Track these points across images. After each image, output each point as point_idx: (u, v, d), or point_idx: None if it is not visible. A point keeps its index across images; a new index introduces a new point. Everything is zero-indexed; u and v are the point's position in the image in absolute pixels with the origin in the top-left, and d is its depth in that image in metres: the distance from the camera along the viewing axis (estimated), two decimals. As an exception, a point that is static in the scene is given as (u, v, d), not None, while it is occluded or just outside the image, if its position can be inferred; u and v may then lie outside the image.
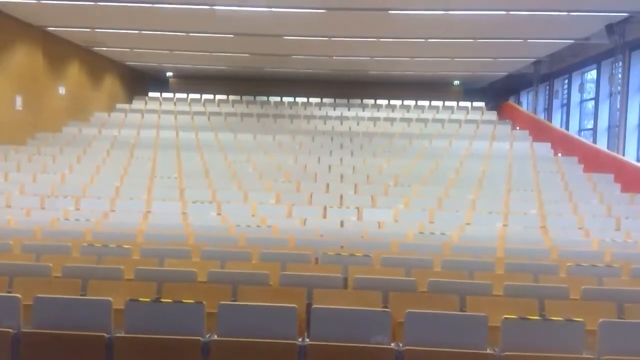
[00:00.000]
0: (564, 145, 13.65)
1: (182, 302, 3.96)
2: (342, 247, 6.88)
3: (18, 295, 4.02)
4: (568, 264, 6.07)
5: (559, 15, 10.98)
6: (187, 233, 7.29)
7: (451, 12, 10.92)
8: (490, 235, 7.82)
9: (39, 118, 13.61)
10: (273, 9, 11.00)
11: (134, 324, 3.83)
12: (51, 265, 5.31)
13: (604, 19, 11.33)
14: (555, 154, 13.19)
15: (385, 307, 4.62)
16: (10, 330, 3.78)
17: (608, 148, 13.11)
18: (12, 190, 9.31)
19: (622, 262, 6.30)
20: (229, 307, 3.99)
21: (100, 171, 10.56)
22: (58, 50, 14.44)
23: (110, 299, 3.94)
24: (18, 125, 12.70)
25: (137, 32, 13.64)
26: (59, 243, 6.42)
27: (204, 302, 3.91)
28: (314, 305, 4.10)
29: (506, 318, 3.83)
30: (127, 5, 11.08)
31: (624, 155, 12.77)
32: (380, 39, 13.51)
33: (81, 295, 4.74)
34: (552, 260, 6.47)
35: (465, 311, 4.63)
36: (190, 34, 13.60)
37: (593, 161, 11.91)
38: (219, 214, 8.67)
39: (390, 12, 10.97)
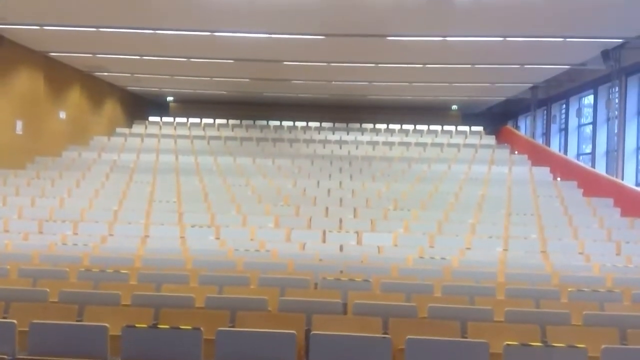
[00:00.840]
0: (562, 169, 13.69)
1: (180, 328, 3.91)
2: (341, 271, 6.83)
3: (14, 320, 3.97)
4: (569, 289, 6.03)
5: (555, 41, 11.14)
6: (185, 258, 7.25)
7: (448, 39, 11.08)
8: (491, 259, 7.77)
9: (39, 142, 13.66)
10: (273, 35, 11.16)
11: (131, 350, 3.77)
12: (48, 290, 5.26)
13: (600, 44, 11.49)
14: (554, 178, 13.21)
15: (386, 333, 4.56)
16: (5, 356, 3.72)
17: (607, 172, 13.15)
18: (10, 214, 9.29)
19: (623, 287, 6.25)
20: (226, 333, 3.93)
21: (99, 195, 10.55)
22: (59, 75, 14.59)
23: (106, 324, 3.89)
24: (18, 150, 12.73)
25: (138, 57, 13.79)
26: (56, 268, 6.37)
27: (201, 328, 3.86)
28: (313, 332, 4.05)
29: (508, 344, 3.77)
30: (128, 32, 11.24)
31: (622, 179, 12.80)
32: (379, 64, 13.67)
33: (77, 320, 4.68)
34: (553, 286, 6.42)
35: (466, 337, 4.57)
36: (191, 59, 13.76)
37: (592, 185, 11.92)
38: (217, 238, 8.63)
39: (388, 38, 11.12)
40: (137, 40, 12.04)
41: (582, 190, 11.76)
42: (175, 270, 6.52)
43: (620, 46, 11.78)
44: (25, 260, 6.91)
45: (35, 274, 6.05)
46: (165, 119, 19.95)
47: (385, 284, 6.02)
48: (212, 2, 9.03)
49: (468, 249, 8.40)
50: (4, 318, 4.59)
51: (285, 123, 19.55)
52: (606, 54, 11.83)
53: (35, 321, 3.90)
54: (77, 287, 5.64)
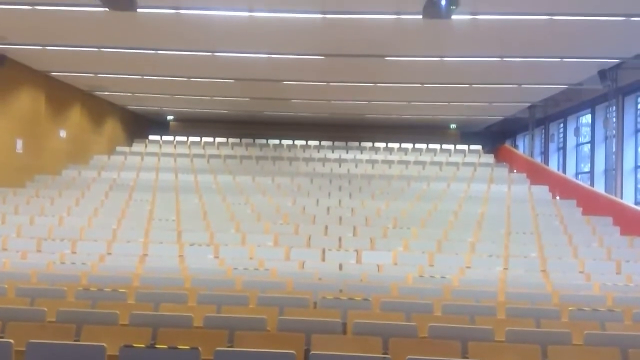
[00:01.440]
0: (561, 188, 13.71)
1: (178, 348, 3.88)
2: (341, 290, 6.79)
3: (10, 340, 3.94)
4: (570, 308, 6.00)
5: (552, 61, 11.27)
6: (184, 276, 7.21)
7: (446, 59, 11.20)
8: (491, 278, 7.75)
9: (39, 161, 13.69)
10: (273, 56, 11.28)
11: (128, 371, 3.74)
12: (45, 309, 5.22)
13: (596, 64, 11.61)
14: (553, 197, 13.23)
15: (386, 353, 4.52)
16: (1, 377, 3.68)
17: (605, 191, 13.17)
18: (8, 233, 9.26)
19: (624, 306, 6.22)
20: (225, 353, 3.90)
21: (99, 214, 10.54)
22: (60, 94, 14.69)
23: (104, 344, 3.86)
24: (18, 168, 12.75)
25: (139, 77, 13.92)
26: (54, 287, 6.34)
27: (199, 348, 3.83)
28: (313, 352, 4.01)
29: (509, 365, 3.74)
30: (129, 52, 11.36)
31: (621, 198, 12.82)
32: (378, 84, 13.80)
33: (75, 340, 4.64)
34: (554, 305, 6.38)
35: (467, 357, 4.54)
36: (192, 79, 13.88)
37: (591, 204, 11.93)
38: (216, 257, 8.60)
39: (386, 58, 11.24)
40: (138, 61, 12.16)
41: (581, 208, 11.77)
42: (174, 289, 6.49)
43: (617, 66, 11.91)
44: (23, 279, 6.88)
45: (32, 293, 6.01)
46: (165, 137, 20.05)
47: (385, 303, 5.98)
48: (213, 23, 9.15)
49: (468, 267, 8.37)
50: (1, 337, 4.56)
51: (285, 141, 19.64)
52: (603, 74, 11.96)
53: (32, 341, 3.87)
54: (74, 307, 5.60)
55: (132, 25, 9.53)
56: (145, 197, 11.65)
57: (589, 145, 16.08)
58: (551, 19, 8.51)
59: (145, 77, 13.86)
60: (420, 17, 7.25)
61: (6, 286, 6.19)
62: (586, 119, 16.83)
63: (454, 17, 7.38)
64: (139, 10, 7.38)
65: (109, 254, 8.58)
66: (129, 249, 8.78)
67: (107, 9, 7.26)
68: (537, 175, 15.15)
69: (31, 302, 5.73)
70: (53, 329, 4.83)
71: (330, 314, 5.55)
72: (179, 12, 8.69)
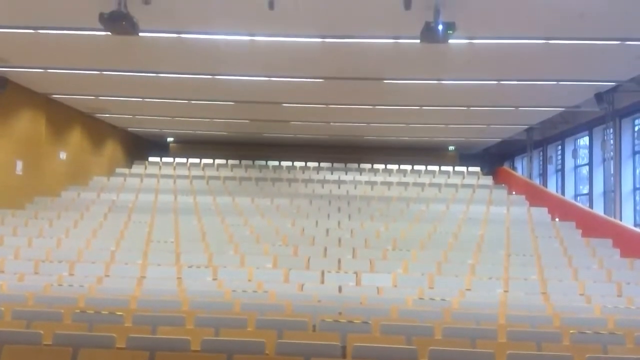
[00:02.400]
0: (560, 210, 13.71)
1: (175, 372, 3.83)
2: (340, 313, 6.74)
3: (5, 364, 3.89)
4: (571, 331, 5.94)
5: (548, 84, 11.38)
6: (182, 299, 7.16)
7: (444, 82, 11.31)
8: (491, 301, 7.69)
9: (38, 182, 13.70)
10: (273, 78, 11.39)
11: (124, 395, 3.68)
12: (42, 332, 5.17)
13: (593, 88, 11.73)
14: (553, 219, 13.21)
15: (385, 377, 4.46)
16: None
17: (604, 213, 13.17)
18: (6, 254, 9.22)
19: (625, 329, 6.17)
20: (223, 377, 3.85)
21: (97, 235, 10.50)
22: (61, 116, 14.77)
23: (100, 368, 3.81)
24: (17, 190, 12.75)
25: (139, 99, 14.01)
26: (50, 309, 6.28)
27: (197, 372, 3.78)
28: (312, 376, 3.96)
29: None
30: (130, 75, 11.46)
31: (621, 220, 12.81)
32: (376, 106, 13.90)
33: (71, 364, 4.59)
34: (555, 328, 6.33)
35: (467, 382, 4.48)
36: (192, 101, 13.98)
37: (591, 226, 11.92)
38: (214, 279, 8.54)
39: (384, 81, 11.36)
40: (140, 83, 12.26)
41: (580, 230, 11.75)
42: (171, 312, 6.43)
43: (613, 89, 12.03)
44: (20, 301, 6.82)
45: (29, 315, 5.95)
46: (165, 159, 20.10)
47: (385, 326, 5.93)
48: (214, 46, 9.26)
49: (468, 290, 8.32)
50: (-4, 361, 4.50)
51: (284, 163, 19.69)
52: (600, 97, 12.06)
53: (28, 364, 3.82)
54: (71, 329, 5.55)
55: (134, 49, 9.63)
56: (144, 218, 11.63)
57: (587, 167, 16.14)
58: (547, 43, 8.63)
59: (146, 99, 13.95)
60: (418, 41, 7.35)
61: (2, 309, 6.14)
62: (584, 141, 16.92)
63: (451, 41, 7.48)
64: (140, 34, 7.48)
65: (107, 276, 8.52)
66: (127, 271, 8.73)
67: (109, 33, 7.35)
68: (536, 197, 15.16)
69: (27, 325, 5.68)
70: (49, 352, 4.78)
71: (329, 337, 5.49)
72: (181, 36, 8.81)
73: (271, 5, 7.10)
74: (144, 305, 6.80)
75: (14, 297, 6.99)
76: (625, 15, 7.48)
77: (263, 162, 19.67)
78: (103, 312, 6.12)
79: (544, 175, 19.10)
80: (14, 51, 10.15)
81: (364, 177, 17.50)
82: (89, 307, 6.47)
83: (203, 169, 18.08)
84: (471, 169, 19.23)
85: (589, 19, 7.59)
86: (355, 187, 15.97)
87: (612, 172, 13.44)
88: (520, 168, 21.92)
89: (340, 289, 8.13)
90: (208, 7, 7.59)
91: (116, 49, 9.63)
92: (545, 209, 13.64)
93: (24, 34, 8.94)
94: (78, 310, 6.21)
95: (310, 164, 19.49)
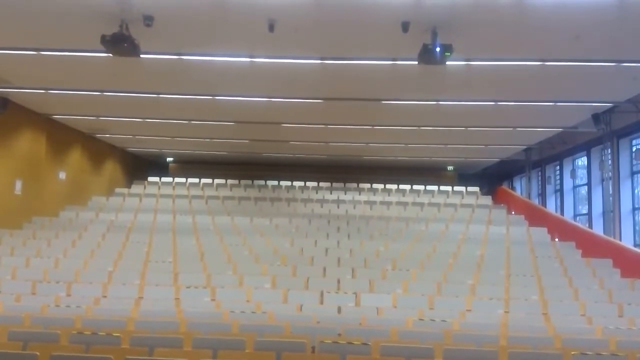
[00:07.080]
0: (560, 230, 13.70)
1: (173, 394, 3.78)
2: (339, 334, 6.67)
3: (1, 387, 3.84)
4: (573, 352, 5.88)
5: (546, 105, 11.47)
6: (179, 320, 7.09)
7: (442, 103, 11.40)
8: (492, 322, 7.63)
9: (37, 202, 13.68)
10: (272, 99, 11.48)
11: (121, 418, 3.62)
12: (38, 354, 5.10)
13: (590, 108, 11.82)
14: (552, 239, 13.18)
15: (385, 399, 4.40)
16: None
17: (604, 233, 13.14)
18: (3, 274, 9.16)
19: (627, 350, 6.10)
20: (221, 399, 3.80)
21: (95, 255, 10.45)
22: (61, 136, 14.84)
23: (97, 391, 3.76)
24: (16, 209, 12.73)
25: (140, 120, 14.09)
26: (47, 331, 6.21)
27: (195, 395, 3.73)
28: (311, 398, 3.91)
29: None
30: (131, 96, 11.55)
31: (620, 239, 12.78)
32: (375, 127, 13.98)
33: (66, 387, 4.52)
34: (556, 349, 6.26)
35: (468, 404, 4.42)
36: (192, 122, 14.06)
37: (591, 246, 11.89)
38: (213, 300, 8.47)
39: (383, 102, 11.45)
40: (140, 104, 12.35)
41: (580, 251, 11.72)
42: (169, 333, 6.37)
43: (610, 110, 12.12)
44: (16, 322, 6.75)
45: (25, 336, 5.89)
46: (164, 179, 20.13)
47: (384, 347, 5.87)
48: (215, 68, 9.35)
49: (468, 310, 8.25)
50: (-9, 384, 4.44)
51: (284, 183, 19.72)
52: (597, 117, 12.16)
53: (23, 387, 3.77)
54: (68, 351, 5.48)
55: (135, 70, 9.73)
56: (142, 238, 11.59)
57: (585, 187, 16.16)
58: (543, 65, 8.73)
59: (146, 119, 14.04)
60: (416, 63, 7.44)
61: (-1, 330, 6.08)
62: (582, 161, 16.98)
63: (448, 63, 7.57)
64: (142, 55, 7.56)
65: (104, 296, 8.45)
66: (125, 291, 8.66)
67: (110, 55, 7.43)
68: (535, 217, 15.16)
69: (24, 346, 5.61)
70: (45, 374, 4.72)
71: (328, 359, 5.43)
72: (182, 58, 8.90)
73: (271, 28, 7.21)
74: (141, 327, 6.73)
75: (11, 317, 6.92)
76: (621, 37, 7.58)
77: (262, 182, 19.69)
78: (100, 333, 6.05)
79: (542, 195, 19.12)
80: (16, 72, 10.25)
81: (363, 197, 17.51)
82: (86, 328, 6.40)
83: (202, 189, 18.08)
84: (470, 188, 19.25)
85: (585, 41, 7.69)
86: (354, 207, 15.96)
87: (610, 192, 13.46)
88: (519, 188, 21.96)
89: (339, 310, 8.07)
90: (208, 29, 7.69)
91: (117, 70, 9.72)
92: (545, 229, 13.62)
93: (25, 55, 9.04)
94: (75, 332, 6.14)
95: (310, 184, 19.52)
